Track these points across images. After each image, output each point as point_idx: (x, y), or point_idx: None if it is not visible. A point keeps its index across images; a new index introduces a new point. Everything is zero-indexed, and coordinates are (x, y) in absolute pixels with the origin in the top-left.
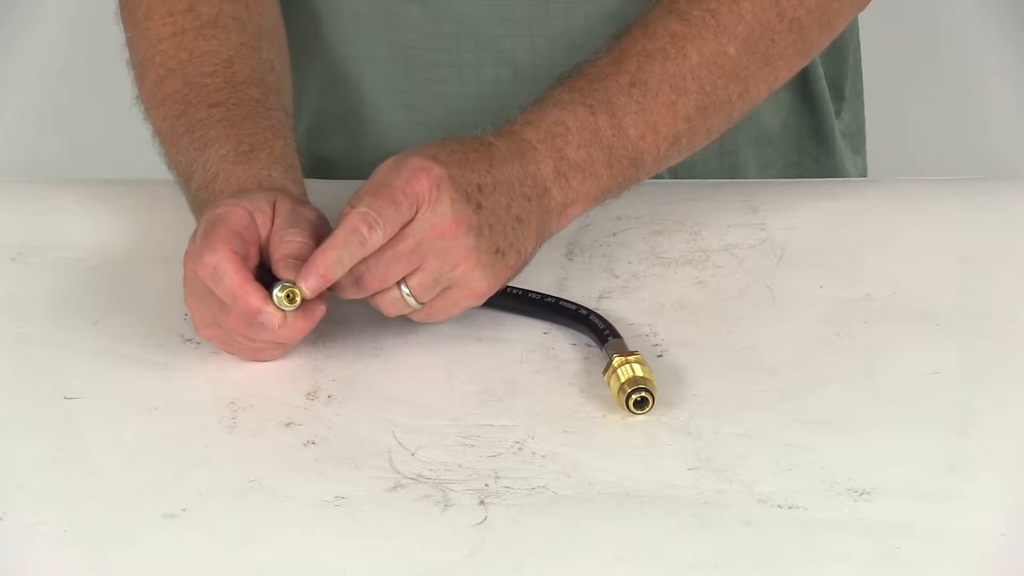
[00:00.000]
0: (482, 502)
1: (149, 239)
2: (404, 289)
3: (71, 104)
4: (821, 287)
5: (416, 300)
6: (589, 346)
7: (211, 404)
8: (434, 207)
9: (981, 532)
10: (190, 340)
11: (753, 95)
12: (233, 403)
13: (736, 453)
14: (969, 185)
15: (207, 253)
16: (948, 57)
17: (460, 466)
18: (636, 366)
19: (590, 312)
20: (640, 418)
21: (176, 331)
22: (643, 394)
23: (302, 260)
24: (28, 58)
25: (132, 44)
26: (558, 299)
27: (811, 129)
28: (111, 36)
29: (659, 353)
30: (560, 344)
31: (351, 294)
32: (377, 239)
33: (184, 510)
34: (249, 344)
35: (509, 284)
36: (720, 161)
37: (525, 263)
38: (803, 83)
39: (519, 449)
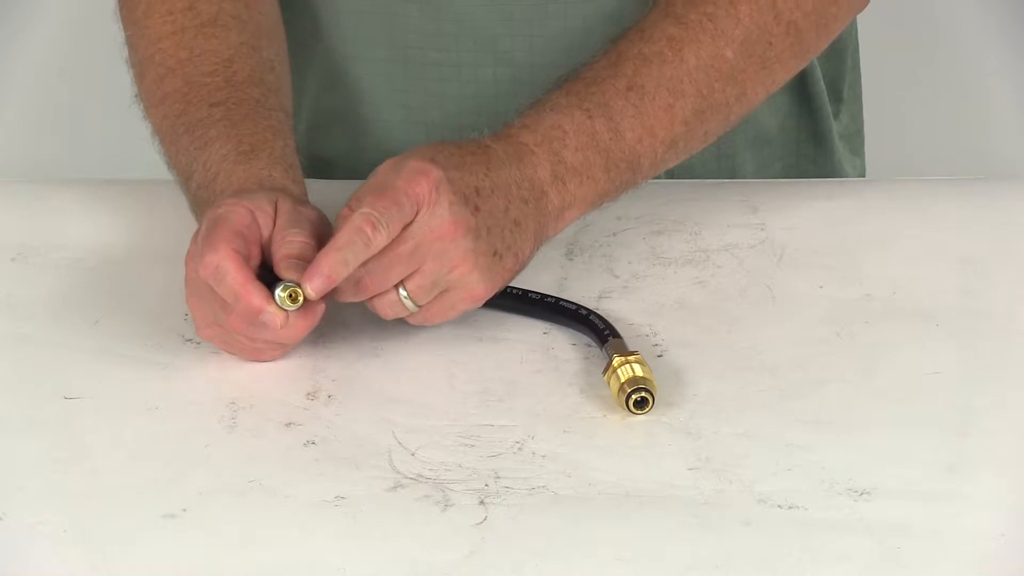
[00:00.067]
0: (482, 502)
1: (149, 239)
2: (402, 292)
3: (71, 104)
4: (821, 287)
5: (414, 303)
6: (589, 346)
7: (211, 404)
8: (433, 209)
9: (981, 532)
10: (190, 340)
11: (750, 98)
12: (233, 403)
13: (736, 453)
14: (969, 185)
15: (209, 253)
16: (947, 57)
17: (460, 466)
18: (636, 366)
19: (590, 312)
20: (640, 418)
21: (176, 331)
22: (643, 394)
23: (304, 260)
24: (28, 58)
25: (131, 42)
26: (558, 299)
27: (809, 131)
28: (111, 36)
29: (659, 353)
30: (560, 344)
31: (350, 297)
32: (381, 240)
33: (184, 510)
34: (250, 344)
35: (509, 284)
36: (718, 163)
37: (523, 266)
38: (801, 85)
39: (519, 449)
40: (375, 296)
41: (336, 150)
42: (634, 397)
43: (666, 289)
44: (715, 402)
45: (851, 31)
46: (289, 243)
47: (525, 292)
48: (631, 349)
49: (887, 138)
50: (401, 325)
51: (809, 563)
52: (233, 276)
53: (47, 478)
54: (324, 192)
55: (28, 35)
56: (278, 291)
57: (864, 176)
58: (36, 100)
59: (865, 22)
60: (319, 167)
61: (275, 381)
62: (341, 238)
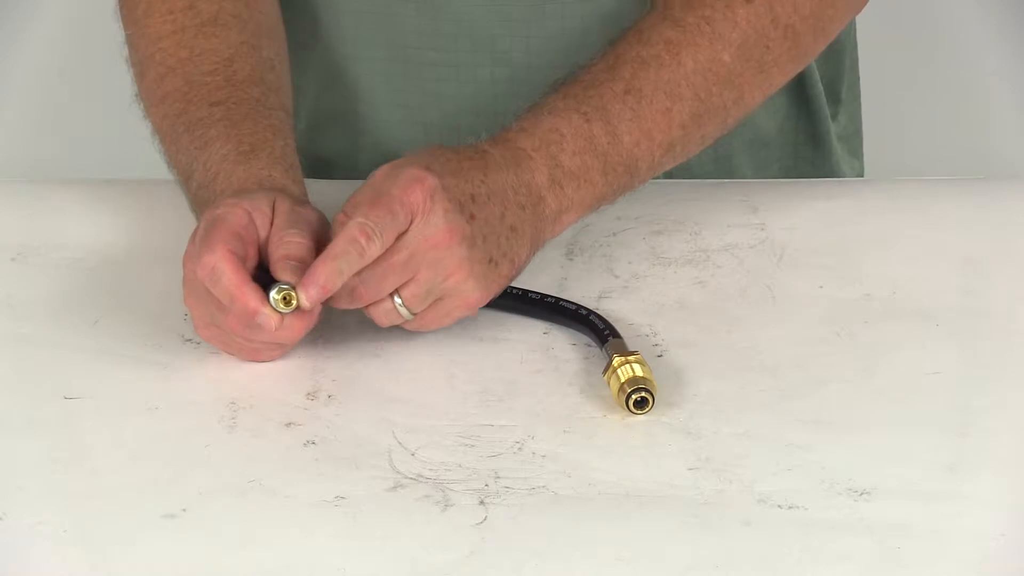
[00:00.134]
0: (482, 502)
1: (149, 239)
2: (397, 300)
3: (71, 104)
4: (821, 287)
5: (409, 311)
6: (589, 346)
7: (211, 404)
8: (427, 218)
9: (981, 532)
10: (190, 340)
11: (748, 102)
12: (233, 403)
13: (736, 453)
14: (969, 185)
15: (206, 253)
16: (947, 57)
17: (460, 466)
18: (636, 366)
19: (590, 312)
20: (640, 418)
21: (176, 331)
22: (643, 394)
23: (301, 261)
24: (28, 58)
25: (132, 41)
26: (558, 299)
27: (807, 133)
28: (111, 36)
29: (659, 353)
30: (560, 344)
31: (344, 305)
32: (375, 249)
33: (184, 510)
34: (248, 344)
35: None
36: (715, 165)
37: (519, 271)
38: (799, 87)
39: (519, 449)
40: (370, 304)
41: (334, 149)
42: (634, 397)
43: (666, 289)
44: (715, 402)
45: (849, 32)
46: (286, 244)
47: (525, 292)
48: (631, 349)
49: (887, 138)
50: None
51: (809, 563)
52: (229, 278)
53: (47, 478)
54: (324, 192)
55: (28, 35)
56: (272, 293)
57: (863, 177)
58: (36, 100)
59: (864, 22)
60: (317, 166)
61: (275, 381)
62: (336, 248)
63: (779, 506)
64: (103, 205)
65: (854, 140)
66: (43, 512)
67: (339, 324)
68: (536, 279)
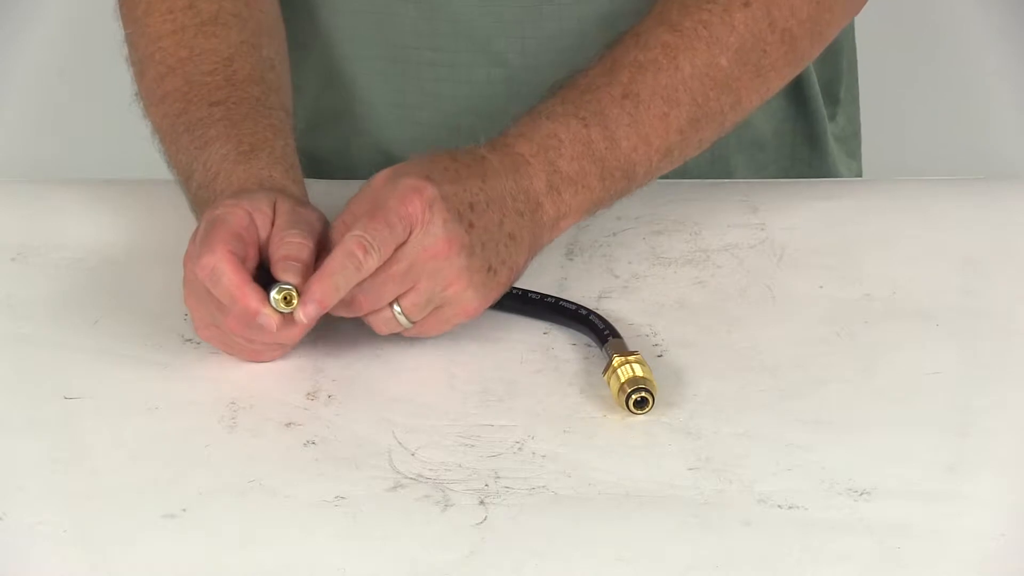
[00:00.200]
0: (482, 502)
1: (149, 239)
2: (396, 309)
3: (71, 104)
4: (821, 287)
5: (408, 319)
6: (589, 346)
7: (211, 404)
8: (426, 228)
9: (981, 532)
10: (190, 340)
11: (745, 106)
12: (233, 403)
13: (736, 453)
14: (969, 185)
15: (206, 254)
16: (947, 57)
17: (460, 466)
18: (636, 366)
19: (590, 312)
20: (640, 418)
21: (176, 331)
22: (643, 394)
23: (301, 261)
24: (28, 58)
25: (131, 41)
26: (558, 299)
27: (804, 135)
28: (111, 36)
29: (659, 353)
30: (560, 344)
31: (343, 313)
32: (373, 263)
33: (184, 510)
34: (248, 345)
35: None
36: (712, 167)
37: (517, 277)
38: (796, 89)
39: (519, 449)
40: (369, 313)
41: (331, 149)
42: (634, 397)
43: (666, 289)
44: (715, 402)
45: (847, 33)
46: (287, 244)
47: (525, 292)
48: (631, 349)
49: (886, 138)
50: None
51: (809, 563)
52: (229, 278)
53: (47, 478)
54: (323, 192)
55: (28, 35)
56: (273, 294)
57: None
58: (36, 100)
59: (863, 22)
60: (314, 166)
61: (275, 381)
62: (333, 263)
63: (779, 506)
64: (103, 205)
65: (852, 141)
66: (43, 512)
67: (339, 324)
68: (536, 279)
